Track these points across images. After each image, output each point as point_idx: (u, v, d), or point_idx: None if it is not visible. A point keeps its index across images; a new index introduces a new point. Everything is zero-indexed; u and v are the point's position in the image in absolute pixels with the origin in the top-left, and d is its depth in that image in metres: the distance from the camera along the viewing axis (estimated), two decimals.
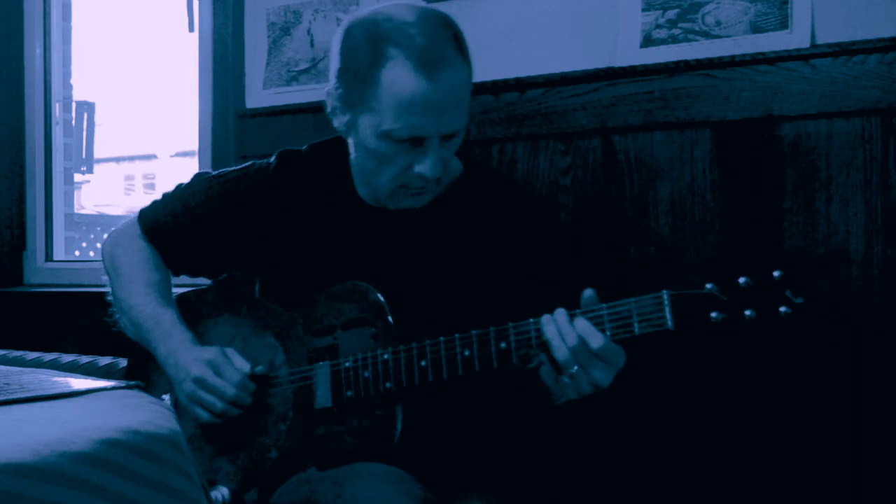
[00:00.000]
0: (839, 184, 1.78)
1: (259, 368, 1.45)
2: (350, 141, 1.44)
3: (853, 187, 1.76)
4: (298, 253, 1.52)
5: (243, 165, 1.60)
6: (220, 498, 1.42)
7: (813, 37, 1.79)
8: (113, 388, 1.11)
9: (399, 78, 1.30)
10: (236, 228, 1.55)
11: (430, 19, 1.33)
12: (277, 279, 1.55)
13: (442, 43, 1.32)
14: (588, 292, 1.27)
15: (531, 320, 1.29)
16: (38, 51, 2.96)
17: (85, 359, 2.16)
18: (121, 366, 2.08)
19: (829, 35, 1.78)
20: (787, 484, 1.80)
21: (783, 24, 1.82)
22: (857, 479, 1.74)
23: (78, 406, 1.02)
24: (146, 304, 1.55)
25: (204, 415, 1.45)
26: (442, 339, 1.33)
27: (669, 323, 1.21)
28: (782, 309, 1.17)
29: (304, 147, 1.59)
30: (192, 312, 1.58)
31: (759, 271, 1.19)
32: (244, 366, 1.44)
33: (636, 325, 1.23)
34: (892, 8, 1.73)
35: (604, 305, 1.26)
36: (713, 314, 1.20)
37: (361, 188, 1.51)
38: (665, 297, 1.22)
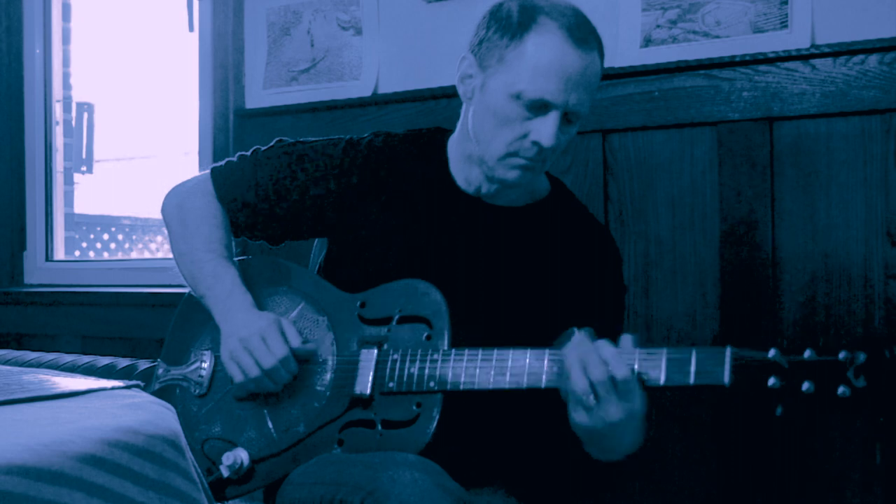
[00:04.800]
0: (839, 184, 1.78)
1: (309, 346, 1.45)
2: (470, 109, 1.47)
3: (853, 187, 1.76)
4: (376, 227, 1.52)
5: (334, 137, 1.60)
6: (238, 461, 1.42)
7: (813, 37, 1.79)
8: (113, 388, 1.11)
9: (547, 42, 1.36)
10: (315, 193, 1.55)
11: (581, 12, 1.42)
12: (349, 253, 1.55)
13: (589, 29, 1.41)
14: (627, 337, 1.26)
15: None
16: (38, 51, 2.96)
17: (85, 359, 2.16)
18: (121, 366, 2.07)
19: (829, 35, 1.78)
20: None
21: (783, 24, 1.82)
22: None
23: (78, 406, 1.02)
24: (209, 260, 1.55)
25: (238, 375, 1.44)
26: (495, 350, 1.33)
27: (726, 379, 1.20)
28: (841, 389, 1.16)
29: (401, 131, 1.61)
30: (252, 278, 1.58)
31: (827, 348, 1.18)
32: (294, 340, 1.44)
33: (692, 374, 1.21)
34: (892, 8, 1.73)
35: (664, 349, 1.24)
36: (771, 380, 1.18)
37: (458, 168, 1.52)
38: (728, 353, 1.20)
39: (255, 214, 1.59)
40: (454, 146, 1.54)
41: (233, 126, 2.43)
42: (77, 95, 3.17)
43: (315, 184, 1.55)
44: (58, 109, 3.01)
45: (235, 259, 1.60)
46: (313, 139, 1.60)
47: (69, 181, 3.15)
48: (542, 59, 1.36)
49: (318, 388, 1.45)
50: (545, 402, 1.35)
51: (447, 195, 1.52)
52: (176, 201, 1.64)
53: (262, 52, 2.43)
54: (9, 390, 1.05)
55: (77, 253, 3.40)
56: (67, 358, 2.18)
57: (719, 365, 1.20)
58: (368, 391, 1.39)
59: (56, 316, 2.76)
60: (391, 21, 2.25)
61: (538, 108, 1.37)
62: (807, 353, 1.19)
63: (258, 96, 2.43)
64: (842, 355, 1.17)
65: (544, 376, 1.29)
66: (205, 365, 1.56)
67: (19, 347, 2.37)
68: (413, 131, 1.60)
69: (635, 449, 1.31)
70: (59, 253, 3.01)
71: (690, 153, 1.90)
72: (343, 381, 1.43)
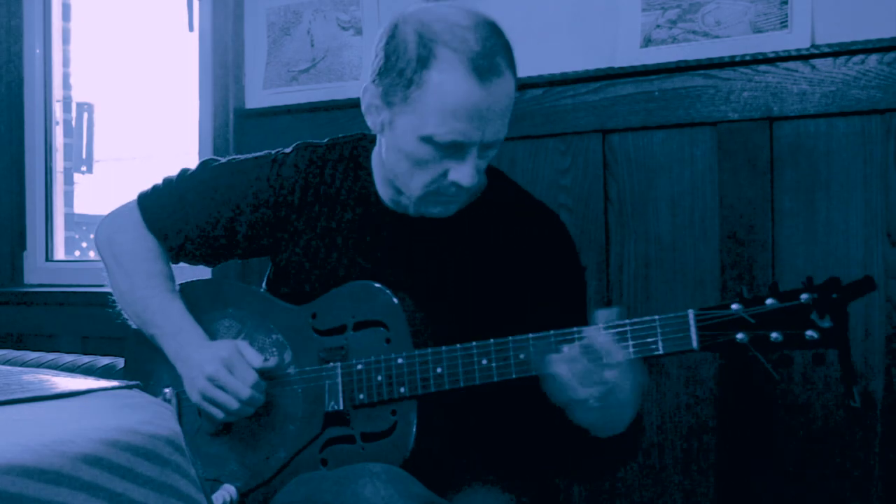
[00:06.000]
0: (839, 184, 1.78)
1: (269, 363, 1.43)
2: (383, 140, 1.40)
3: (853, 187, 1.76)
4: (309, 247, 1.50)
5: (258, 154, 1.56)
6: (227, 498, 1.40)
7: (813, 37, 1.79)
8: (113, 388, 1.11)
9: (449, 81, 1.27)
10: (245, 217, 1.52)
11: (483, 25, 1.30)
12: (286, 273, 1.52)
13: (495, 51, 1.29)
14: (614, 309, 1.25)
15: (551, 332, 1.26)
16: (38, 51, 2.96)
17: (85, 359, 2.16)
18: (120, 366, 2.07)
19: (829, 35, 1.78)
20: None
21: (783, 24, 1.82)
22: None
23: (78, 406, 1.02)
24: (152, 297, 1.53)
25: (219, 414, 1.43)
26: (459, 346, 1.31)
27: (695, 343, 1.19)
28: (809, 333, 1.15)
29: (324, 140, 1.55)
30: (196, 304, 1.55)
31: (787, 294, 1.16)
32: (256, 361, 1.42)
33: (661, 343, 1.20)
34: (892, 8, 1.73)
35: (627, 321, 1.22)
36: (739, 335, 1.17)
37: (384, 189, 1.47)
38: (691, 316, 1.19)
39: (187, 240, 1.56)
40: (377, 163, 1.47)
41: (233, 126, 2.43)
42: (77, 95, 3.17)
43: (244, 204, 1.51)
44: (58, 109, 3.01)
45: (177, 286, 1.57)
46: (241, 157, 1.57)
47: (69, 181, 3.15)
48: (448, 100, 1.27)
49: (290, 409, 1.43)
50: (522, 389, 1.34)
51: (375, 212, 1.47)
52: (107, 235, 1.60)
53: (262, 52, 2.43)
54: (9, 390, 1.04)
55: (77, 253, 3.40)
56: (67, 358, 2.18)
57: (685, 329, 1.19)
58: (341, 407, 1.37)
59: (56, 316, 2.76)
60: None
61: (453, 148, 1.30)
62: (769, 302, 1.17)
63: (258, 96, 2.43)
64: (804, 297, 1.16)
65: (513, 367, 1.28)
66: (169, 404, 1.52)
67: (19, 347, 2.37)
68: (337, 141, 1.54)
69: (636, 412, 1.29)
70: (59, 253, 3.01)
71: (690, 153, 1.90)
72: (313, 399, 1.41)
